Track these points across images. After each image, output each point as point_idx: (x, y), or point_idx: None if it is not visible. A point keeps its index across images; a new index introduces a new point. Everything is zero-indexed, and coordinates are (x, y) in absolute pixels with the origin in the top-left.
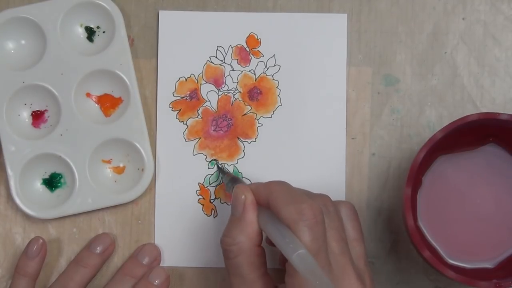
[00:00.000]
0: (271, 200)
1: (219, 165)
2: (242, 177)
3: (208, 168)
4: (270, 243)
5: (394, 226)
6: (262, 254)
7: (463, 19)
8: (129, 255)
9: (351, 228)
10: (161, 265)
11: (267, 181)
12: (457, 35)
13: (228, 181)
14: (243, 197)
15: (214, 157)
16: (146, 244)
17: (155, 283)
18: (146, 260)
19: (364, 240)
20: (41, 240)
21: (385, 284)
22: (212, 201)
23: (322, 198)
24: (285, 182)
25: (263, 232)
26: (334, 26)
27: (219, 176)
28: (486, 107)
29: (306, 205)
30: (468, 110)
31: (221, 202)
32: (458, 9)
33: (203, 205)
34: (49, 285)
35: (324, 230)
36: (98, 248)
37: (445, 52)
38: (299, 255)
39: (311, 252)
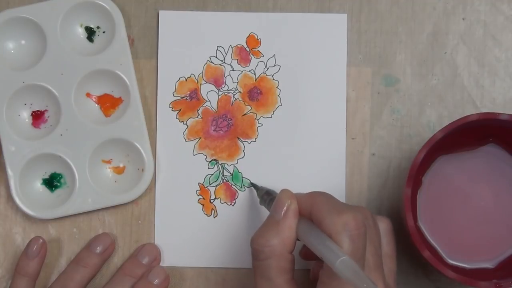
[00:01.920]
0: (314, 209)
1: (253, 183)
2: (242, 177)
3: (208, 168)
4: (304, 256)
5: (394, 226)
6: (292, 261)
7: (463, 19)
8: (129, 255)
9: (385, 244)
10: (161, 265)
11: (309, 191)
12: (457, 35)
13: (264, 193)
14: (288, 202)
15: (214, 157)
16: (146, 244)
17: (154, 283)
18: (146, 260)
19: (395, 256)
20: (41, 240)
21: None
22: (212, 201)
23: (363, 211)
24: (327, 193)
25: (296, 243)
26: (334, 26)
27: (219, 178)
28: (486, 107)
29: (350, 216)
30: (468, 110)
31: (221, 202)
32: (458, 9)
33: (203, 205)
34: (49, 285)
35: (364, 243)
36: (98, 248)
37: (445, 52)
38: (343, 261)
39: None
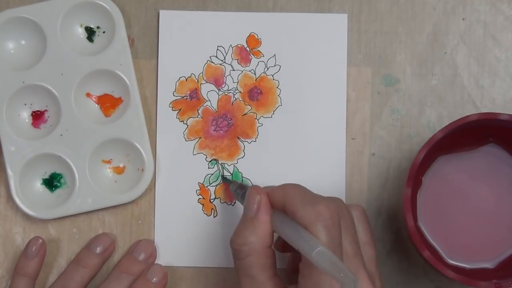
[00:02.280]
0: (287, 201)
1: (224, 176)
2: (242, 177)
3: (208, 168)
4: (280, 248)
5: (394, 226)
6: (272, 256)
7: (463, 19)
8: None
9: (362, 231)
10: (161, 264)
11: (281, 184)
12: (457, 35)
13: (237, 187)
14: (258, 197)
15: (214, 157)
16: (141, 240)
17: (153, 281)
18: (142, 257)
19: (375, 243)
20: (40, 240)
21: (385, 284)
22: (212, 200)
23: (337, 201)
24: (299, 184)
25: (274, 235)
26: (334, 26)
27: (219, 178)
28: (486, 107)
29: (323, 206)
30: (468, 110)
31: (221, 202)
32: (458, 9)
33: (203, 204)
34: (49, 286)
35: (340, 231)
36: (98, 248)
37: (445, 52)
38: (319, 252)
39: None
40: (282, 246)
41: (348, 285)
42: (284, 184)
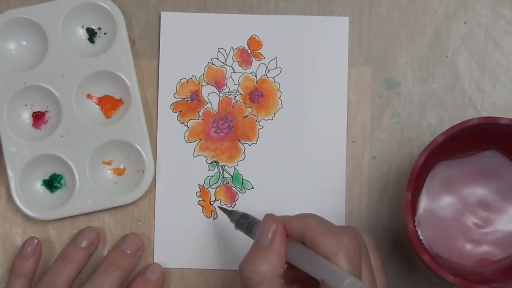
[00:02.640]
0: (307, 231)
1: (221, 207)
2: (242, 179)
3: (209, 170)
4: (291, 280)
5: (394, 229)
6: (282, 285)
7: (464, 23)
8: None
9: (373, 259)
10: (159, 263)
11: (298, 214)
12: (458, 39)
13: (239, 217)
14: (274, 226)
15: (214, 159)
16: (129, 234)
17: (152, 279)
18: (130, 250)
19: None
20: (36, 240)
21: None
22: (212, 203)
23: (355, 231)
24: (316, 214)
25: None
26: (336, 29)
27: (220, 180)
28: (487, 111)
29: (346, 237)
30: (468, 114)
31: (221, 204)
32: (460, 13)
33: (203, 207)
34: (37, 283)
35: (360, 263)
36: (83, 242)
37: (446, 56)
38: (350, 282)
39: None
40: (292, 277)
41: None
42: (302, 214)
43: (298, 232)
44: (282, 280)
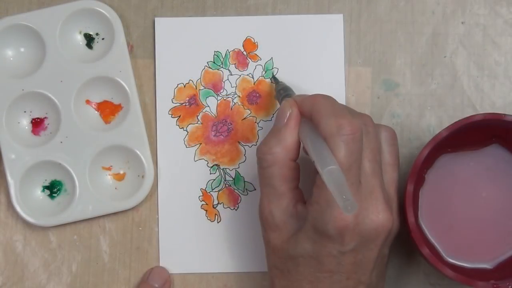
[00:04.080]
0: (313, 112)
1: (274, 76)
2: (244, 181)
3: (210, 173)
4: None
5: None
6: (295, 168)
7: (462, 23)
8: (130, 262)
9: (387, 153)
10: (166, 269)
11: (313, 93)
12: (457, 39)
13: (280, 88)
14: (290, 110)
15: (215, 162)
16: (154, 268)
17: (155, 286)
18: (157, 283)
19: (399, 167)
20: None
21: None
22: (215, 206)
23: (364, 118)
24: (330, 96)
25: (301, 147)
26: (330, 27)
27: (222, 183)
28: (485, 111)
29: (346, 121)
30: (468, 113)
31: (224, 207)
32: (458, 13)
33: (206, 210)
34: None
35: (360, 148)
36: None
37: (445, 56)
38: (329, 170)
39: (342, 167)
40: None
41: (346, 209)
42: (315, 94)
43: (308, 112)
44: (295, 163)
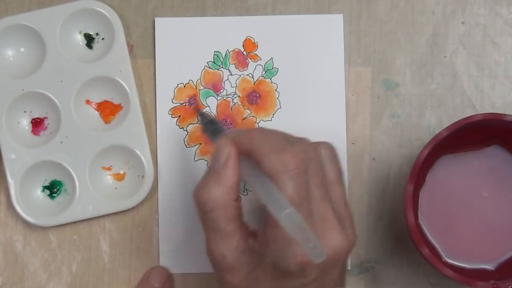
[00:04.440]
0: (253, 149)
1: (201, 111)
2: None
3: None
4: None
5: (395, 230)
6: (238, 207)
7: (462, 23)
8: (130, 262)
9: (331, 171)
10: (166, 268)
11: (249, 128)
12: (457, 39)
13: (206, 122)
14: (227, 150)
15: None
16: (154, 268)
17: (155, 286)
18: (158, 283)
19: (343, 180)
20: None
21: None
22: None
23: (303, 143)
24: (267, 129)
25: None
26: (330, 27)
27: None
28: (485, 111)
29: (289, 155)
30: (468, 113)
31: None
32: (457, 13)
33: None
34: None
35: (307, 179)
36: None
37: (445, 56)
38: (287, 214)
39: (294, 203)
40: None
41: (315, 257)
42: (252, 130)
43: (246, 150)
44: (237, 203)
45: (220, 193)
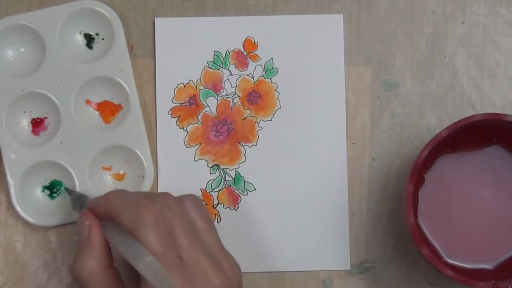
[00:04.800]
0: (110, 210)
1: (66, 188)
2: (244, 181)
3: (210, 173)
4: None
5: (395, 231)
6: (115, 272)
7: (462, 23)
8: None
9: (198, 219)
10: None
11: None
12: (457, 39)
13: (74, 199)
14: (87, 223)
15: (215, 163)
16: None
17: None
18: None
19: (214, 226)
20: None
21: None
22: (215, 206)
23: (163, 197)
24: (123, 189)
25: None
26: (330, 27)
27: (222, 184)
28: (486, 111)
29: (144, 208)
30: (468, 114)
31: (224, 207)
32: (457, 13)
33: None
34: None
35: (169, 229)
36: None
37: (445, 56)
38: (145, 264)
39: (157, 254)
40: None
41: None
42: (107, 193)
43: (106, 213)
44: (112, 268)
45: (92, 263)
